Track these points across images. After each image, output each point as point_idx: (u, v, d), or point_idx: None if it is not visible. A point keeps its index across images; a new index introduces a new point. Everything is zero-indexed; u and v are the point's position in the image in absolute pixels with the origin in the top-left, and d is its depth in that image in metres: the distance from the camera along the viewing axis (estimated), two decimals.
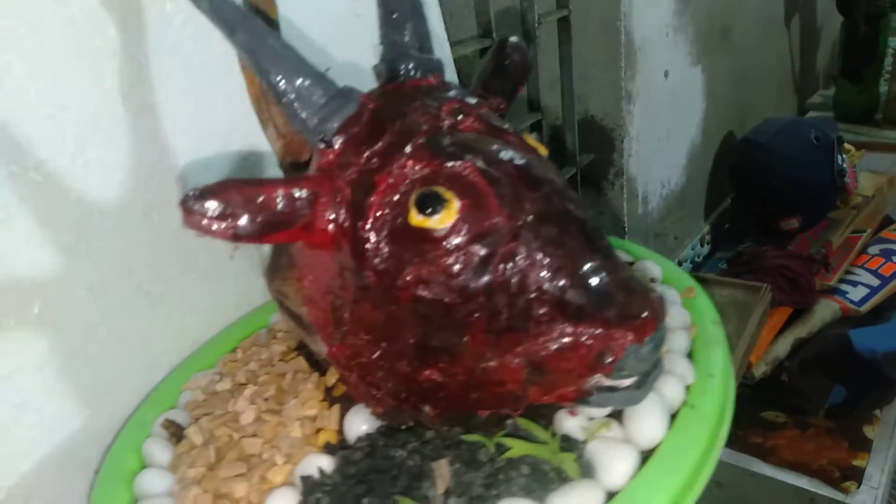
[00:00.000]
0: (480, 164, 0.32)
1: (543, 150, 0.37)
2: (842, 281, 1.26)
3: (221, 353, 0.49)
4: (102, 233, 0.46)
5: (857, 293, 1.23)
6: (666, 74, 1.29)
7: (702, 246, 1.51)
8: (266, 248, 0.56)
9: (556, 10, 1.10)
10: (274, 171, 0.55)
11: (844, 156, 1.42)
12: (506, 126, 0.36)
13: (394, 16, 0.36)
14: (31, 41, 0.42)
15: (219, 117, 0.52)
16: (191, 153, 0.50)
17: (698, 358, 0.41)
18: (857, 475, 0.82)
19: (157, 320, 0.49)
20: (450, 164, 0.32)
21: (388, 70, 0.36)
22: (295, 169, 0.43)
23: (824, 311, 1.18)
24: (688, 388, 0.38)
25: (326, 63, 0.37)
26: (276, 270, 0.41)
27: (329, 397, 0.40)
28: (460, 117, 0.35)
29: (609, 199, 1.23)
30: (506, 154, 0.33)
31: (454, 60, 0.79)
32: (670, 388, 0.37)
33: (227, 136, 0.53)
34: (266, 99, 0.42)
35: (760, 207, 1.43)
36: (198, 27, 0.50)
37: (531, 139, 0.36)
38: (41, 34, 0.42)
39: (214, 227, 0.29)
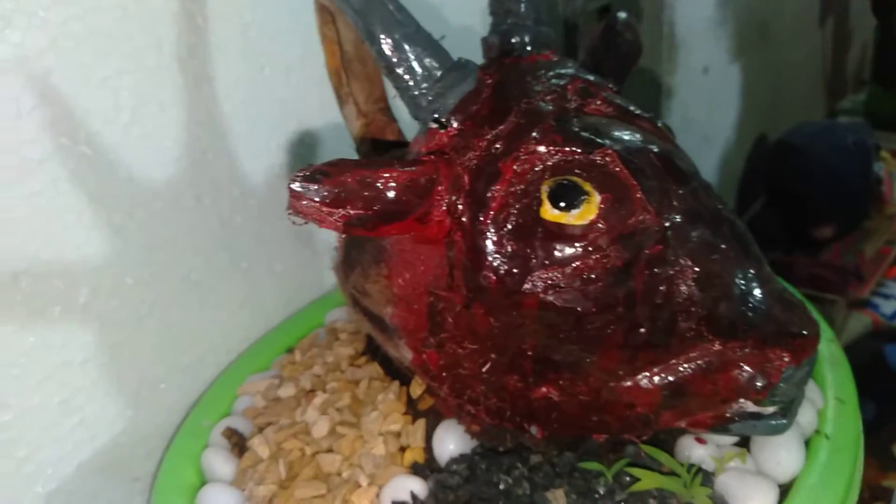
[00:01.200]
0: (621, 151, 0.28)
1: (673, 139, 0.32)
2: (874, 293, 1.22)
3: (276, 353, 0.44)
4: (153, 216, 0.41)
5: (889, 306, 1.19)
6: (705, 70, 1.24)
7: None
8: (324, 237, 0.52)
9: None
10: (331, 152, 0.51)
11: (881, 163, 1.38)
12: (635, 109, 0.32)
13: None
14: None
15: (276, 93, 0.47)
16: (246, 132, 0.46)
17: (821, 380, 0.36)
18: (888, 496, 0.78)
19: (205, 313, 0.45)
20: (587, 151, 0.28)
21: (502, 43, 0.32)
22: (376, 151, 0.39)
23: (855, 324, 1.14)
24: (818, 413, 0.34)
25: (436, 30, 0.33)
26: (354, 266, 0.36)
27: (412, 410, 0.36)
28: (588, 98, 0.31)
29: None
30: (644, 142, 0.29)
31: None
32: (804, 415, 0.33)
33: (284, 114, 0.48)
34: (347, 73, 0.37)
35: (793, 213, 1.40)
36: None
37: (663, 125, 0.32)
38: None
39: (325, 214, 0.25)
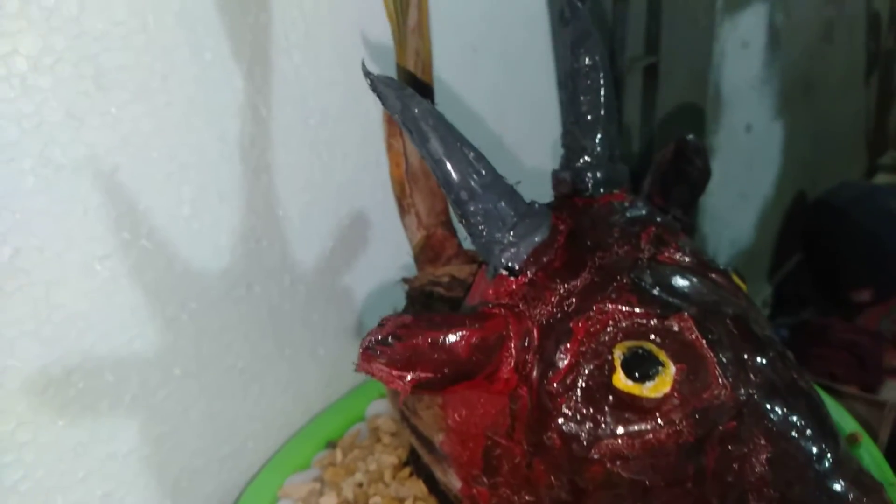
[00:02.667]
0: (698, 317, 0.27)
1: (745, 289, 0.31)
2: None
3: (317, 447, 0.44)
4: (205, 306, 0.41)
5: None
6: (748, 128, 1.23)
7: (763, 308, 1.45)
8: (368, 322, 0.51)
9: (644, 56, 1.05)
10: (381, 235, 0.51)
11: None
12: (707, 258, 0.31)
13: (587, 118, 0.31)
14: (161, 96, 0.38)
15: (332, 178, 0.47)
16: (300, 218, 0.46)
17: None
18: None
19: (247, 401, 0.45)
20: (662, 315, 0.27)
21: (574, 181, 0.31)
22: (431, 263, 0.38)
23: (892, 393, 1.11)
24: None
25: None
26: None
27: None
28: (661, 247, 0.30)
29: None
30: (720, 302, 0.28)
31: None
32: None
33: (338, 199, 0.48)
34: (411, 185, 0.37)
35: (830, 275, 1.37)
36: (320, 80, 0.46)
37: (735, 276, 0.31)
38: (171, 88, 0.38)
39: (396, 378, 0.25)
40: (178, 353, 0.40)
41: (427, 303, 0.36)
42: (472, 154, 0.28)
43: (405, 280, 0.39)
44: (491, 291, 0.29)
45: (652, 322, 0.27)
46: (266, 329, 0.45)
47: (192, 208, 0.40)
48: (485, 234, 0.28)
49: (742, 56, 1.13)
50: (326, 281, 0.48)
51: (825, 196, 1.38)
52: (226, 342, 0.43)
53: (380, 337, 0.25)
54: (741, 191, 1.25)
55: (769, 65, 1.21)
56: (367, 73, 0.29)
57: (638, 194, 0.36)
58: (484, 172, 0.28)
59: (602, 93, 0.32)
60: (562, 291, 0.28)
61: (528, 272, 0.28)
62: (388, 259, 0.51)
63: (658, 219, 0.31)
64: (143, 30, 0.37)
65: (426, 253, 0.37)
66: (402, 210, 0.38)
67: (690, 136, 0.38)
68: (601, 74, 0.31)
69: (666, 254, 0.30)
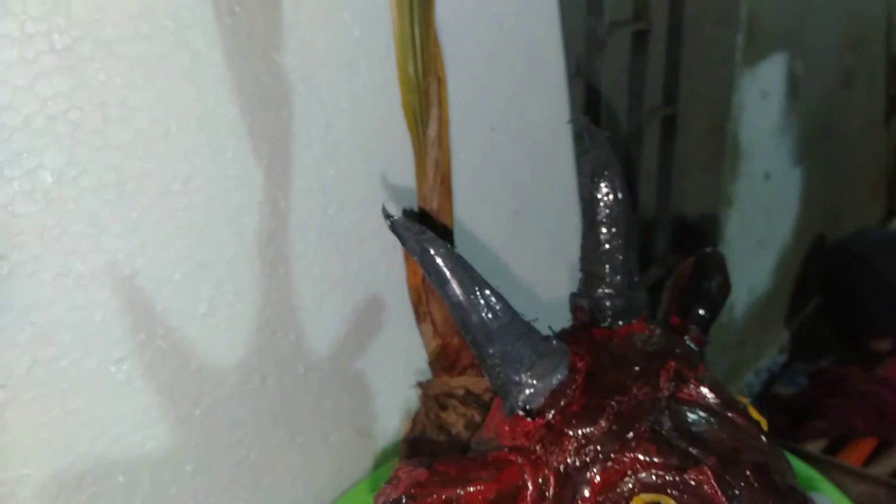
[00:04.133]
0: (716, 468, 0.27)
1: (765, 425, 0.31)
2: None
3: None
4: (218, 401, 0.41)
5: None
6: (767, 177, 1.22)
7: (780, 354, 1.43)
8: (382, 408, 0.51)
9: (663, 106, 1.05)
10: (395, 317, 0.51)
11: None
12: (726, 394, 0.30)
13: (606, 246, 0.31)
14: (181, 198, 0.38)
15: (348, 265, 0.48)
16: (315, 307, 0.46)
17: None
18: None
19: (258, 494, 0.44)
20: (681, 467, 0.26)
21: (592, 309, 0.31)
22: (446, 372, 0.38)
23: None
24: None
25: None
26: None
27: None
28: (681, 383, 0.30)
29: None
30: (740, 450, 0.28)
31: None
32: None
33: (352, 285, 0.48)
34: (427, 293, 0.37)
35: (849, 321, 1.35)
36: (339, 170, 0.46)
37: (754, 411, 0.31)
38: (191, 190, 0.38)
39: None
40: (190, 450, 0.40)
41: (440, 418, 0.36)
42: (489, 295, 0.28)
43: (419, 384, 0.39)
44: (507, 429, 0.29)
45: (671, 474, 0.27)
46: (278, 419, 0.45)
47: (208, 306, 0.40)
48: (502, 375, 0.28)
49: (761, 105, 1.13)
50: (340, 367, 0.48)
51: (844, 241, 1.36)
52: (238, 436, 0.43)
53: (394, 497, 0.24)
54: (759, 238, 1.24)
55: (788, 113, 1.20)
56: (387, 216, 0.29)
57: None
58: (501, 314, 0.28)
59: (622, 223, 0.31)
60: (580, 438, 0.27)
61: (546, 414, 0.28)
62: (402, 342, 0.51)
63: (677, 350, 0.31)
64: (166, 135, 0.37)
65: (441, 361, 0.37)
66: (419, 317, 0.38)
67: (710, 250, 0.37)
68: (621, 204, 0.31)
69: (685, 391, 0.30)
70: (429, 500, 0.25)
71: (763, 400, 1.28)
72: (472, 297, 0.27)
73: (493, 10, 0.56)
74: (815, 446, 1.14)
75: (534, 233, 0.62)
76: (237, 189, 0.40)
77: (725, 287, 0.36)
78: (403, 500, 0.24)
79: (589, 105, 0.92)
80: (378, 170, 0.48)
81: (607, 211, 0.31)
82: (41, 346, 0.34)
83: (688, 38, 1.02)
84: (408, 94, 0.35)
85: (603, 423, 0.27)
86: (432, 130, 0.36)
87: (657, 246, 1.09)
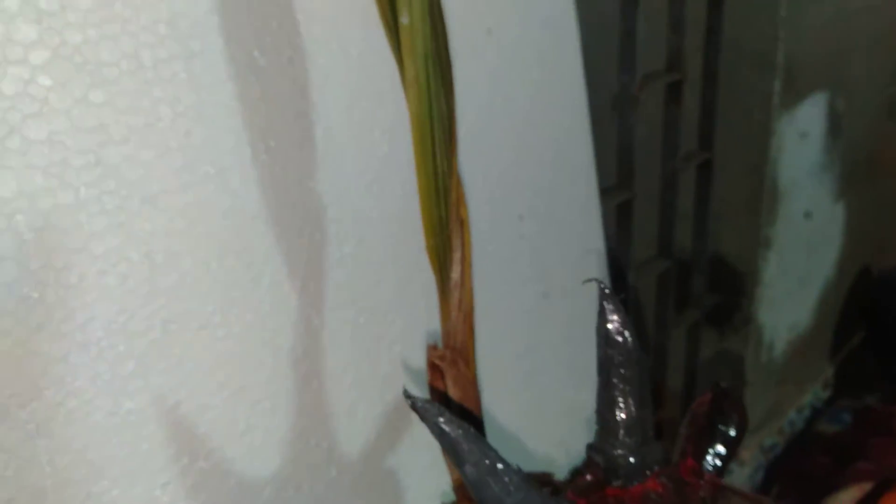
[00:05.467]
0: None
1: None
2: None
3: None
4: None
5: None
6: (807, 215, 1.20)
7: (823, 390, 1.40)
8: (406, 491, 0.53)
9: (698, 152, 1.05)
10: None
11: None
12: None
13: (620, 405, 0.32)
14: (220, 329, 0.41)
15: (378, 369, 0.50)
16: (346, 412, 0.48)
17: None
18: None
19: None
20: None
21: (606, 467, 0.33)
22: (468, 502, 0.40)
23: None
24: None
25: None
26: None
27: None
28: None
29: (731, 346, 1.16)
30: None
31: None
32: None
33: (382, 389, 0.50)
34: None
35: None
36: (371, 279, 0.48)
37: None
38: (230, 321, 0.41)
39: None
40: None
41: None
42: (504, 472, 0.29)
43: None
44: None
45: None
46: None
47: (246, 424, 0.43)
48: None
49: (800, 146, 1.11)
50: (371, 466, 0.50)
51: (890, 273, 1.33)
52: None
53: None
54: (800, 276, 1.22)
55: (829, 151, 1.18)
56: (407, 396, 0.31)
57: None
58: (516, 489, 0.29)
59: (636, 383, 0.33)
60: None
61: None
62: (430, 437, 0.52)
63: None
64: (207, 273, 0.40)
65: (464, 491, 0.39)
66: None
67: (725, 385, 0.38)
68: (635, 366, 0.33)
69: None
70: None
71: (805, 438, 1.27)
72: (487, 476, 0.29)
73: (519, 102, 0.58)
74: (860, 489, 1.12)
75: (563, 314, 0.64)
76: (273, 313, 0.43)
77: (743, 425, 0.37)
78: None
79: (621, 161, 0.93)
80: (407, 275, 0.50)
81: (621, 371, 0.33)
82: (94, 481, 0.37)
83: (723, 83, 1.02)
84: (431, 238, 0.37)
85: None
86: (455, 273, 0.37)
87: (694, 287, 1.10)
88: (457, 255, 0.37)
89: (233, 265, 0.41)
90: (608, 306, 0.33)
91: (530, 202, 0.59)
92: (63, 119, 0.34)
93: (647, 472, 0.33)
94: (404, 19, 0.32)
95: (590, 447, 0.34)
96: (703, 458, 0.36)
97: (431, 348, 0.39)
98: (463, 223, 0.38)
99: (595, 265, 0.66)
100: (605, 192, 0.92)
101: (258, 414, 0.43)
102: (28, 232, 0.33)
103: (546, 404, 0.62)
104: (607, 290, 0.33)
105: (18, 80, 0.32)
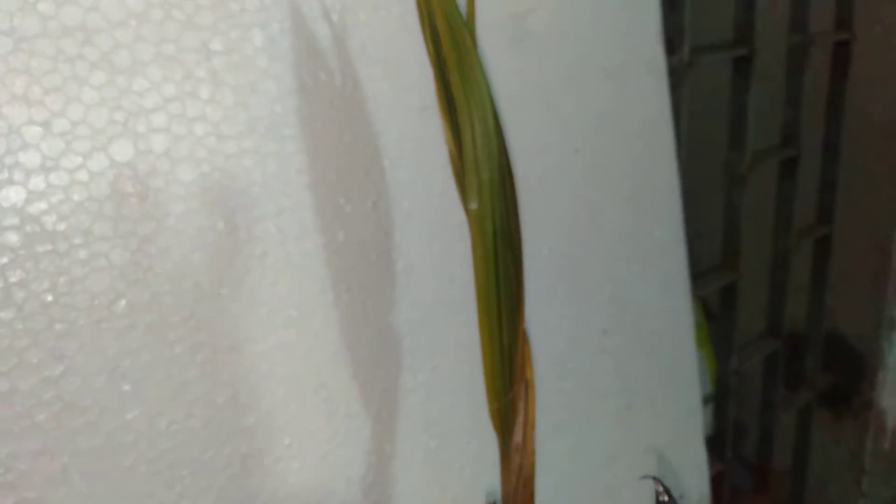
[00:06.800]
0: None
1: None
2: None
3: None
4: None
5: None
6: None
7: None
8: None
9: (816, 227, 0.99)
10: None
11: None
12: None
13: None
14: (296, 462, 0.43)
15: (449, 496, 0.50)
16: None
17: None
18: None
19: None
20: None
21: None
22: None
23: None
24: None
25: None
26: None
27: None
28: None
29: (848, 432, 1.08)
30: None
31: None
32: None
33: None
34: None
35: None
36: (443, 408, 0.49)
37: None
38: (305, 453, 0.43)
39: None
40: None
41: None
42: None
43: None
44: None
45: None
46: None
47: None
48: None
49: None
50: None
51: None
52: None
53: None
54: None
55: None
56: None
57: None
58: None
59: None
60: None
61: None
62: None
63: None
64: (285, 410, 0.42)
65: None
66: None
67: None
68: None
69: None
70: None
71: None
72: None
73: (608, 216, 0.57)
74: None
75: (646, 427, 0.62)
76: (347, 444, 0.45)
77: None
78: None
79: (727, 240, 0.89)
80: (481, 398, 0.51)
81: None
82: None
83: (845, 154, 0.96)
84: (494, 402, 0.37)
85: None
86: (517, 437, 0.38)
87: (807, 366, 1.04)
88: (520, 419, 0.37)
89: (311, 402, 0.43)
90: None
91: (616, 316, 0.58)
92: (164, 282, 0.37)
93: None
94: (473, 205, 0.33)
95: None
96: None
97: None
98: (528, 384, 0.38)
99: (683, 375, 0.64)
100: (709, 272, 0.89)
101: None
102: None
103: None
104: (664, 493, 0.32)
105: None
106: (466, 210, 0.34)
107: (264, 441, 0.42)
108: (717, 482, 0.91)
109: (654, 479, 0.32)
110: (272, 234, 0.40)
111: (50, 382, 0.35)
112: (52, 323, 0.34)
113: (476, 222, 0.33)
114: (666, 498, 0.32)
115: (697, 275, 0.88)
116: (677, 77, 0.75)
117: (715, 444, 0.91)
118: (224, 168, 0.38)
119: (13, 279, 0.33)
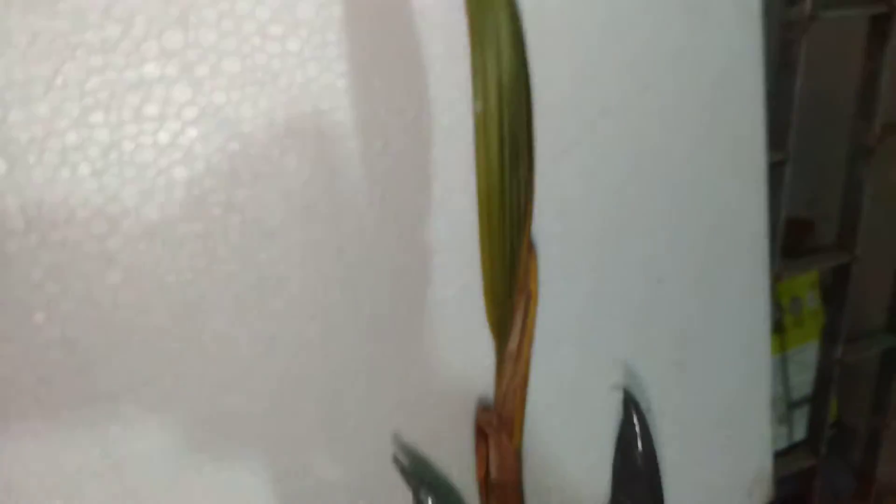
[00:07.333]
0: None
1: None
2: None
3: None
4: None
5: None
6: None
7: None
8: None
9: None
10: None
11: None
12: None
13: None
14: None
15: None
16: None
17: None
18: None
19: None
20: None
21: None
22: None
23: None
24: None
25: None
26: None
27: None
28: None
29: None
30: None
31: None
32: None
33: None
34: (487, 487, 0.40)
35: None
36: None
37: None
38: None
39: None
40: None
41: None
42: None
43: None
44: None
45: None
46: None
47: None
48: None
49: None
50: None
51: None
52: None
53: None
54: None
55: None
56: (396, 460, 0.33)
57: None
58: None
59: (650, 497, 0.31)
60: None
61: None
62: None
63: None
64: (313, 299, 0.46)
65: None
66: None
67: None
68: (645, 479, 0.31)
69: None
70: None
71: None
72: None
73: (676, 159, 0.54)
74: None
75: (700, 386, 0.59)
76: (371, 341, 0.47)
77: None
78: None
79: (845, 218, 0.82)
80: None
81: (633, 484, 0.31)
82: None
83: None
84: (492, 308, 0.38)
85: None
86: (513, 345, 0.38)
87: None
88: (517, 328, 0.38)
89: (336, 298, 0.46)
90: (631, 413, 0.31)
91: (674, 266, 0.56)
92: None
93: None
94: (478, 108, 0.33)
95: None
96: None
97: (481, 410, 0.40)
98: (531, 297, 0.38)
99: (751, 338, 0.60)
100: (821, 250, 0.83)
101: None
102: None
103: None
104: (632, 398, 0.31)
105: None
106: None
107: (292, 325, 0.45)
108: (808, 476, 0.85)
109: (624, 389, 0.31)
110: (308, 132, 0.43)
111: None
112: None
113: (480, 127, 0.34)
114: (633, 401, 0.31)
115: (804, 251, 0.82)
116: (797, 31, 0.69)
117: (811, 439, 0.85)
118: (266, 66, 0.41)
119: None
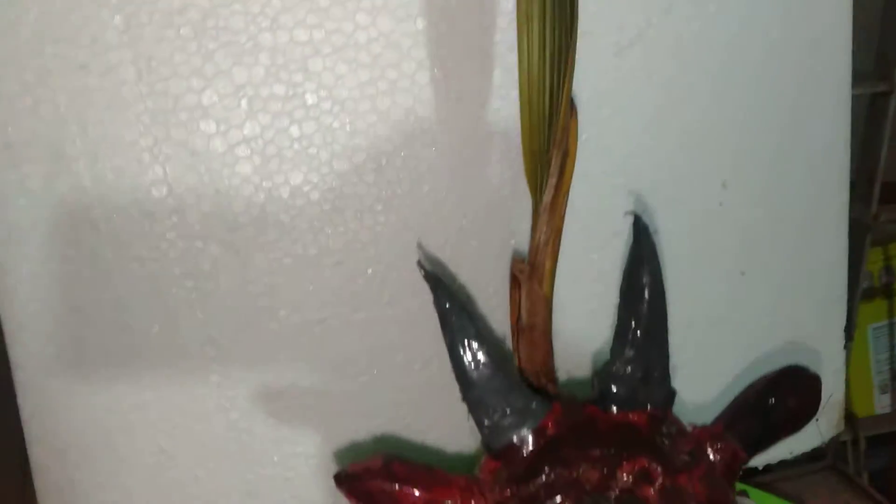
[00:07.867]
0: None
1: None
2: None
3: None
4: None
5: None
6: None
7: None
8: None
9: None
10: None
11: None
12: None
13: (628, 336, 0.32)
14: (382, 216, 0.50)
15: None
16: None
17: None
18: None
19: None
20: None
21: (598, 389, 0.33)
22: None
23: None
24: None
25: None
26: None
27: None
28: (643, 483, 0.30)
29: None
30: None
31: None
32: None
33: None
34: (518, 332, 0.42)
35: None
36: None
37: None
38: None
39: None
40: None
41: None
42: (476, 348, 0.33)
43: None
44: (478, 467, 0.34)
45: None
46: None
47: None
48: (473, 417, 0.33)
49: None
50: None
51: None
52: None
53: (338, 472, 0.33)
54: None
55: None
56: (421, 266, 0.36)
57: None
58: (482, 367, 0.33)
59: (650, 317, 0.32)
60: (509, 492, 0.31)
61: (500, 461, 0.32)
62: None
63: (658, 451, 0.31)
64: (377, 168, 0.50)
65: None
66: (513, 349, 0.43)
67: (802, 367, 0.34)
68: (650, 300, 0.32)
69: (646, 491, 0.30)
70: (369, 483, 0.32)
71: None
72: (460, 347, 0.33)
73: (754, 58, 0.54)
74: None
75: (761, 294, 0.58)
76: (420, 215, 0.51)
77: (804, 413, 0.33)
78: (341, 476, 0.32)
79: None
80: None
81: (637, 304, 0.33)
82: None
83: None
84: (529, 163, 0.41)
85: (531, 488, 0.31)
86: (547, 197, 0.40)
87: None
88: (552, 182, 0.40)
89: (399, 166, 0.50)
90: (637, 233, 0.33)
91: (739, 171, 0.55)
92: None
93: (635, 408, 0.32)
94: None
95: (594, 372, 0.34)
96: (737, 429, 0.33)
97: (516, 260, 0.43)
98: (568, 155, 0.40)
99: (824, 258, 0.58)
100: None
101: None
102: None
103: None
104: (639, 219, 0.33)
105: None
106: None
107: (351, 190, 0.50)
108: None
109: (634, 213, 0.33)
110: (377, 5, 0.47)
111: None
112: None
113: None
114: (645, 225, 0.32)
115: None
116: None
117: None
118: None
119: None
